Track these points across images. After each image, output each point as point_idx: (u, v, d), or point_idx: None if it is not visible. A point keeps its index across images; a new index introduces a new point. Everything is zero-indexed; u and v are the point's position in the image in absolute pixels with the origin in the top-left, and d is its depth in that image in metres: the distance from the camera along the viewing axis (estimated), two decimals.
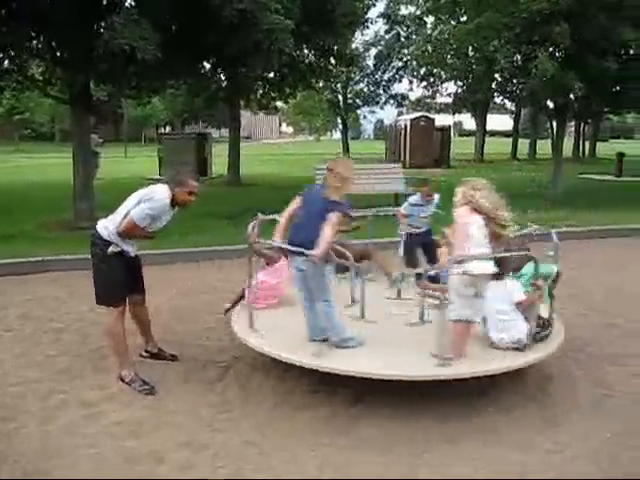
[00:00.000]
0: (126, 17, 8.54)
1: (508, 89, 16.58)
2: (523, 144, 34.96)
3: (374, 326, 4.71)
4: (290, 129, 72.31)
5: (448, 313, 3.98)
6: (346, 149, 31.81)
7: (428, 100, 35.52)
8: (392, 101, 34.36)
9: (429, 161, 26.09)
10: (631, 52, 13.41)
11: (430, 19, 27.22)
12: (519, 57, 13.76)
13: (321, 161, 17.83)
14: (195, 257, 8.47)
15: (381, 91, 33.19)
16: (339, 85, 31.10)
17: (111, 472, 3.39)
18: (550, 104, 14.86)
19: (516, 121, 36.88)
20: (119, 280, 4.43)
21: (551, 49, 12.61)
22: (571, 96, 13.36)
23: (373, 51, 31.75)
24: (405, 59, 31.18)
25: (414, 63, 29.43)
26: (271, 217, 4.78)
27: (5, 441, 3.70)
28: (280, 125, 73.26)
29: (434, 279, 5.09)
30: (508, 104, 34.71)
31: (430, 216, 6.29)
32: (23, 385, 4.46)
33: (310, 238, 3.99)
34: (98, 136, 21.83)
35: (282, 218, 4.39)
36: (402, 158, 26.08)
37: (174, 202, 4.42)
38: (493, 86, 23.86)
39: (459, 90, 30.35)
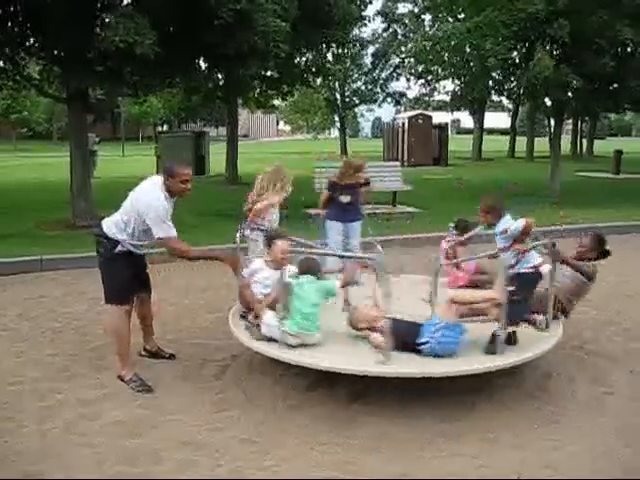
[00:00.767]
0: (121, 14, 8.51)
1: (505, 87, 16.56)
2: (520, 142, 34.93)
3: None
4: (288, 127, 72.16)
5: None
6: (344, 147, 31.69)
7: (426, 98, 35.42)
8: (390, 99, 34.27)
9: (428, 159, 26.07)
10: (628, 50, 13.42)
11: (428, 17, 27.17)
12: (516, 54, 13.75)
13: (320, 159, 17.83)
14: None
15: (379, 89, 33.09)
16: (337, 83, 31.00)
17: (110, 471, 3.39)
18: (548, 102, 14.87)
19: (514, 119, 36.86)
20: (126, 279, 4.41)
21: (548, 47, 12.62)
22: (569, 94, 13.37)
23: (371, 49, 31.70)
24: (403, 56, 31.07)
25: (411, 60, 29.30)
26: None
27: (3, 440, 3.69)
28: (278, 123, 73.11)
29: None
30: (505, 102, 34.67)
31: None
32: (21, 384, 4.45)
33: None
34: (95, 135, 21.85)
35: None
36: (400, 156, 26.05)
37: (172, 193, 4.36)
38: (490, 83, 23.78)
39: (456, 88, 30.26)
